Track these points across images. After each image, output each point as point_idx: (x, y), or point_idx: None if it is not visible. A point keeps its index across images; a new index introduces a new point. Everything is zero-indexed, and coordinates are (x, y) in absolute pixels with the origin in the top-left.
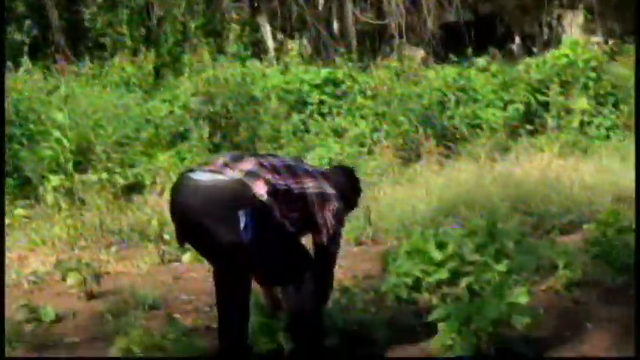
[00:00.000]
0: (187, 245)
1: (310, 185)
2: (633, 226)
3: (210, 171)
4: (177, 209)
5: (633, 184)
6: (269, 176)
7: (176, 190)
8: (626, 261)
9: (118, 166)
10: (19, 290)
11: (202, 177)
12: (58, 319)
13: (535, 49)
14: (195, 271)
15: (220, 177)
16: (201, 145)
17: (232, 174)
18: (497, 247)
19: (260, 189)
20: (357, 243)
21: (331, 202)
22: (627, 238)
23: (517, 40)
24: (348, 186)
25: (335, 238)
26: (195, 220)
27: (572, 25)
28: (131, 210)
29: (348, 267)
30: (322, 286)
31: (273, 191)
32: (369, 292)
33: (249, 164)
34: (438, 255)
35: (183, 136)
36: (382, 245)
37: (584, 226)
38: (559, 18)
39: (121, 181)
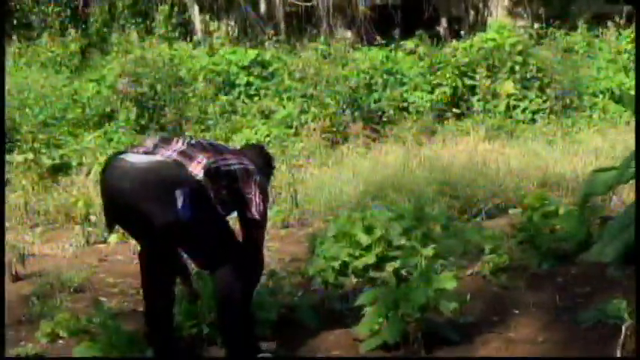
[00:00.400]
0: (116, 227)
1: (234, 162)
2: (559, 211)
3: (145, 152)
4: (109, 191)
5: (559, 170)
6: (200, 155)
7: (108, 173)
8: (552, 246)
9: (44, 147)
10: None
11: (136, 159)
12: None
13: (462, 32)
14: (121, 253)
15: (155, 158)
16: (128, 126)
17: (167, 154)
18: (424, 230)
19: (195, 169)
20: (283, 225)
21: (254, 176)
22: (553, 223)
23: (444, 22)
24: (261, 161)
25: (264, 210)
26: (130, 202)
27: (499, 7)
28: (57, 191)
29: (275, 250)
30: (253, 265)
31: (206, 170)
32: (297, 275)
33: (179, 144)
34: (365, 239)
35: (110, 117)
36: (309, 228)
37: (510, 211)
38: (485, 1)
39: (47, 161)
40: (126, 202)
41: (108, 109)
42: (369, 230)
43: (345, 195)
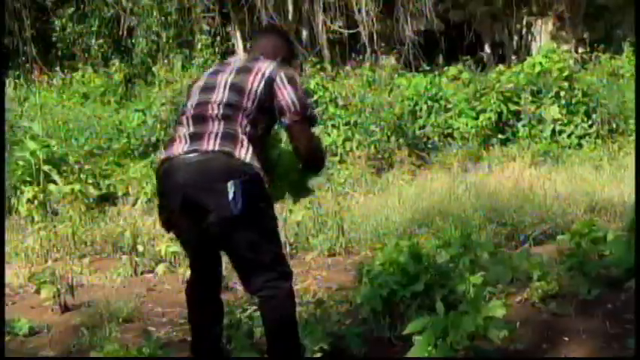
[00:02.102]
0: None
1: (255, 85)
2: (607, 237)
3: (194, 150)
4: (165, 188)
5: (607, 195)
6: (234, 122)
7: (165, 173)
8: (601, 272)
9: (90, 177)
10: None
11: (187, 156)
12: (33, 332)
13: (511, 57)
14: (169, 283)
15: (202, 150)
16: None
17: (209, 146)
18: (471, 258)
19: (242, 152)
20: (330, 254)
21: (281, 79)
22: (601, 249)
23: (487, 48)
24: (284, 49)
25: (305, 103)
26: (187, 197)
27: (542, 33)
28: (104, 221)
29: (322, 278)
30: (318, 152)
31: (248, 133)
32: (344, 303)
33: (211, 125)
34: (412, 267)
35: (155, 147)
36: (356, 256)
37: (558, 237)
38: (529, 26)
39: (93, 192)
40: (183, 198)
41: (153, 139)
42: (416, 258)
43: (391, 222)
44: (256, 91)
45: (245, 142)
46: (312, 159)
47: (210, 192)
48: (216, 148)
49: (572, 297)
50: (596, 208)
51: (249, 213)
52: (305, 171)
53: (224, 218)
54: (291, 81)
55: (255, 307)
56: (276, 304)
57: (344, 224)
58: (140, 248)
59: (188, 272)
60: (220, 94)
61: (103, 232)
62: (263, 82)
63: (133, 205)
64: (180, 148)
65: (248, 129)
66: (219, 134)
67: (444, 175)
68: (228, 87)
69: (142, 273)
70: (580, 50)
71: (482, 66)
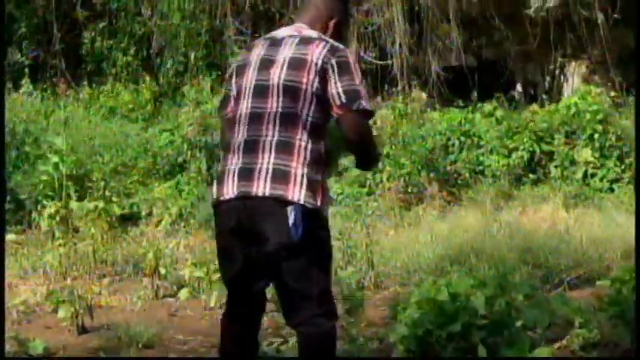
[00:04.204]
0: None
1: (304, 81)
2: None
3: (242, 197)
4: (224, 228)
5: None
6: (292, 152)
7: (221, 215)
8: None
9: (114, 195)
10: (8, 321)
11: (235, 204)
12: (48, 353)
13: (543, 97)
14: (191, 309)
15: (252, 196)
16: (198, 177)
17: (259, 188)
18: (507, 299)
19: (295, 193)
20: (358, 287)
21: (332, 66)
22: None
23: (519, 87)
24: (338, 10)
25: (358, 91)
26: (241, 222)
27: (575, 75)
28: (126, 241)
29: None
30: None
31: (305, 157)
32: (374, 340)
33: (262, 155)
34: (450, 306)
35: (181, 167)
36: (385, 291)
37: (598, 283)
38: (562, 67)
39: (117, 210)
40: (236, 220)
41: (180, 160)
42: (454, 298)
43: (422, 258)
44: (312, 84)
45: (303, 159)
46: (363, 154)
47: (267, 217)
48: (267, 192)
49: (615, 346)
50: (632, 253)
51: (309, 240)
52: (357, 167)
53: (282, 245)
54: (342, 66)
55: (281, 340)
56: (316, 342)
57: (373, 257)
58: (162, 271)
59: (211, 298)
60: (275, 96)
61: (125, 252)
62: (317, 73)
63: (157, 225)
64: (228, 188)
65: (308, 132)
66: (272, 161)
67: (476, 213)
68: (281, 85)
69: (163, 297)
70: (612, 94)
71: (514, 105)
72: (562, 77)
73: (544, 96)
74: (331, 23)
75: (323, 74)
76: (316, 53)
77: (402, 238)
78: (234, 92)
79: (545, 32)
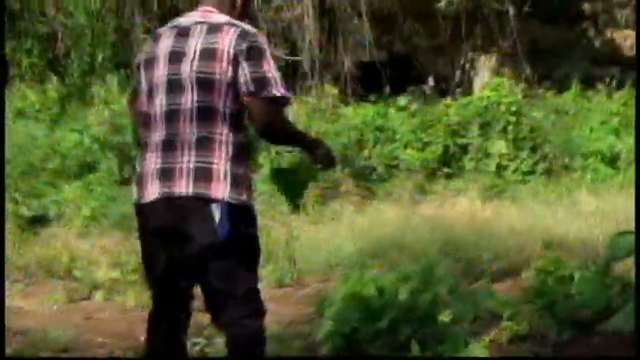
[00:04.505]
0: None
1: (218, 72)
2: (575, 276)
3: (164, 199)
4: (147, 229)
5: (562, 231)
6: (213, 148)
7: (144, 217)
8: (572, 313)
9: (23, 197)
10: None
11: (157, 208)
12: None
13: (455, 90)
14: (108, 311)
15: (175, 196)
16: (109, 178)
17: (182, 187)
18: (432, 293)
19: (219, 191)
20: (278, 285)
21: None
22: (568, 289)
23: (430, 81)
24: None
25: (267, 78)
26: (164, 224)
27: (485, 68)
28: (38, 244)
29: (272, 311)
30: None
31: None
32: (300, 339)
33: (182, 154)
34: (376, 302)
35: (91, 168)
36: (306, 288)
37: (523, 275)
38: (472, 61)
39: (26, 213)
40: (164, 233)
41: (89, 160)
42: (380, 293)
43: (343, 253)
44: (225, 74)
45: (225, 154)
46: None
47: (192, 216)
48: (190, 191)
49: (542, 339)
50: (553, 244)
51: (235, 238)
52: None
53: (208, 244)
54: (252, 52)
55: (206, 341)
56: (244, 343)
57: (294, 254)
58: (76, 273)
59: (128, 300)
60: (189, 90)
61: (37, 255)
62: (229, 62)
63: (68, 227)
64: (150, 189)
65: (228, 125)
66: (193, 159)
67: (394, 207)
68: (195, 79)
69: (78, 300)
70: (521, 86)
71: (425, 99)
72: (472, 71)
73: (458, 89)
74: (238, 2)
75: (235, 62)
76: (227, 41)
77: (321, 233)
78: (144, 87)
79: (455, 26)
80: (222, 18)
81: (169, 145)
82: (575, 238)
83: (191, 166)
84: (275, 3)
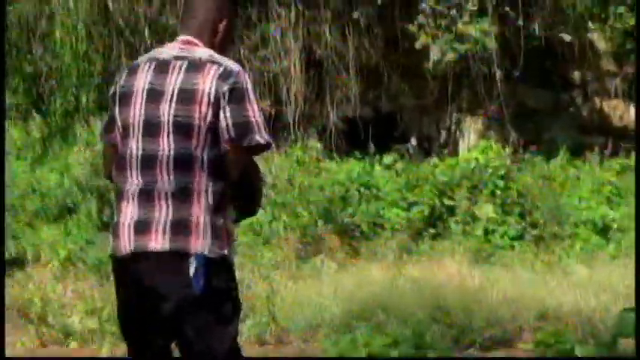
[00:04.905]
0: None
1: (196, 116)
2: (577, 350)
3: (140, 255)
4: (122, 285)
5: (556, 302)
6: (191, 199)
7: (118, 272)
8: None
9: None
10: None
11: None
12: None
13: (443, 151)
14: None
15: (150, 252)
16: (88, 221)
17: (159, 242)
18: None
19: (197, 244)
20: (259, 342)
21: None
22: None
23: (413, 140)
24: (227, 8)
25: (250, 122)
26: (144, 287)
27: (471, 129)
28: (12, 286)
29: None
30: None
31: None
32: None
33: (159, 205)
34: None
35: (70, 210)
36: (287, 346)
37: (521, 345)
38: (458, 122)
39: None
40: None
41: (69, 201)
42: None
43: (327, 313)
44: (204, 119)
45: (205, 205)
46: (242, 193)
47: (167, 272)
48: (167, 246)
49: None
50: (547, 315)
51: (213, 293)
52: (237, 214)
53: (183, 299)
54: (234, 94)
55: None
56: None
57: (275, 310)
58: (49, 318)
59: (103, 349)
60: (166, 135)
61: (10, 297)
62: (210, 105)
63: (45, 269)
64: (124, 242)
65: (207, 174)
66: (170, 211)
67: (379, 266)
68: (172, 123)
69: (50, 344)
70: (507, 150)
71: (409, 157)
72: (458, 132)
73: (445, 150)
74: (221, 26)
75: (216, 105)
76: (208, 81)
77: (303, 290)
78: (119, 124)
79: (442, 86)
80: (203, 53)
81: (146, 195)
82: (571, 309)
83: (169, 219)
84: (262, 53)
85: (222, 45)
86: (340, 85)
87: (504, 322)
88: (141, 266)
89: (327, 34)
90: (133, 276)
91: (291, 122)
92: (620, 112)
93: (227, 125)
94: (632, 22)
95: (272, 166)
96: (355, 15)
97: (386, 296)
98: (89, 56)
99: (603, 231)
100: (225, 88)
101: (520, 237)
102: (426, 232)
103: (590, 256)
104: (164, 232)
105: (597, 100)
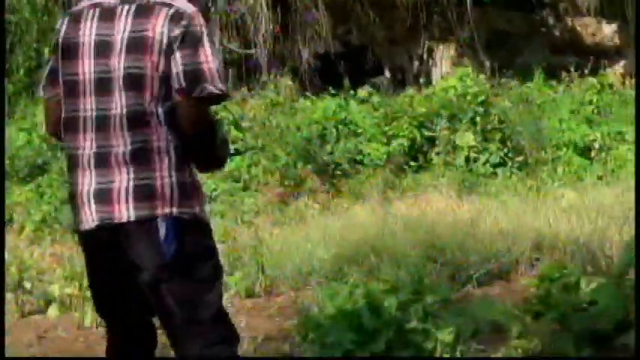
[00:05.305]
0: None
1: (148, 66)
2: (583, 283)
3: (102, 227)
4: (91, 259)
5: (552, 230)
6: (152, 159)
7: (85, 245)
8: (586, 327)
9: None
10: None
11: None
12: None
13: (419, 81)
14: (63, 328)
15: (114, 224)
16: (61, 179)
17: (123, 212)
18: (424, 305)
19: (165, 207)
20: (248, 295)
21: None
22: (579, 299)
23: (386, 72)
24: None
25: (202, 70)
26: (114, 259)
27: (443, 58)
28: None
29: (244, 326)
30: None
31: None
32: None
33: (118, 171)
34: (371, 322)
35: (42, 169)
36: (277, 297)
37: (523, 281)
38: (430, 51)
39: None
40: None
41: (40, 161)
42: (376, 311)
43: (316, 259)
44: (157, 68)
45: (167, 163)
46: (200, 149)
47: (136, 242)
48: (132, 215)
49: (558, 358)
50: (542, 245)
51: (188, 256)
52: (196, 167)
53: (156, 267)
54: (187, 38)
55: None
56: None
57: (263, 261)
58: (27, 285)
59: (86, 316)
60: (118, 91)
61: None
62: (162, 52)
63: (19, 234)
64: (86, 215)
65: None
66: (131, 176)
67: (364, 206)
68: (123, 77)
69: (29, 314)
70: (481, 76)
71: (383, 91)
72: (431, 61)
73: (421, 80)
74: None
75: (168, 52)
76: (158, 26)
77: (290, 237)
78: (63, 79)
79: (412, 15)
80: None
81: (102, 160)
82: (567, 237)
83: (130, 184)
84: None
85: None
86: (310, 21)
87: (500, 255)
88: (108, 239)
89: None
90: (101, 250)
91: (262, 63)
92: (592, 29)
93: (177, 73)
94: None
95: (246, 109)
96: None
97: (376, 237)
98: (49, 9)
99: (585, 151)
100: (177, 32)
101: (502, 164)
102: (407, 166)
103: (576, 178)
104: (127, 200)
105: (569, 20)
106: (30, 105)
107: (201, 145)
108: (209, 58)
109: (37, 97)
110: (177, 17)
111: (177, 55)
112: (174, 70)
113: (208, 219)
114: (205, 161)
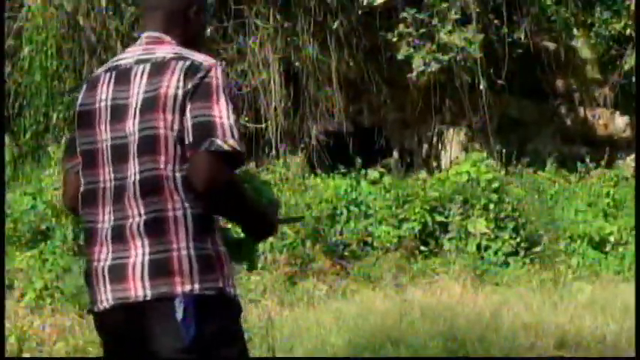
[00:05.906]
0: None
1: (161, 125)
2: None
3: (118, 307)
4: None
5: (576, 326)
6: (168, 229)
7: (100, 327)
8: None
9: None
10: None
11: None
12: None
13: (433, 165)
14: None
15: (130, 303)
16: (64, 247)
17: (139, 290)
18: None
19: (184, 283)
20: None
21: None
22: None
23: (395, 154)
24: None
25: (212, 123)
26: (131, 343)
27: (453, 142)
28: None
29: None
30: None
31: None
32: None
33: (133, 244)
34: None
35: (45, 235)
36: None
37: None
38: (440, 135)
39: None
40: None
41: (43, 227)
42: None
43: (329, 345)
44: (171, 127)
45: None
46: (227, 213)
47: (154, 323)
48: (148, 293)
49: None
50: (566, 342)
51: (207, 339)
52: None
53: (174, 351)
54: (200, 89)
55: None
56: None
57: (274, 344)
58: (27, 356)
59: None
60: (132, 156)
61: None
62: (178, 109)
63: (18, 301)
64: (101, 294)
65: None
66: (146, 250)
67: (376, 291)
68: (137, 140)
69: None
70: (491, 162)
71: (395, 173)
72: (440, 145)
73: (434, 163)
74: (191, 13)
75: (183, 108)
76: (173, 82)
77: (300, 319)
78: (80, 149)
79: (424, 98)
80: (168, 50)
81: (118, 234)
82: (591, 335)
83: (146, 258)
84: (240, 67)
85: (196, 37)
86: (322, 99)
87: (522, 351)
88: (123, 321)
89: (308, 44)
90: (117, 332)
91: (272, 138)
92: (604, 120)
93: (187, 128)
94: (618, 27)
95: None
96: (335, 25)
97: (393, 326)
98: (60, 74)
99: (600, 245)
100: (190, 85)
101: (515, 253)
102: (417, 251)
103: (590, 271)
104: (142, 277)
105: (581, 110)
106: (35, 169)
107: (226, 209)
108: (223, 113)
109: (42, 161)
110: (193, 70)
111: (189, 107)
112: (185, 126)
113: (236, 294)
114: (249, 228)
